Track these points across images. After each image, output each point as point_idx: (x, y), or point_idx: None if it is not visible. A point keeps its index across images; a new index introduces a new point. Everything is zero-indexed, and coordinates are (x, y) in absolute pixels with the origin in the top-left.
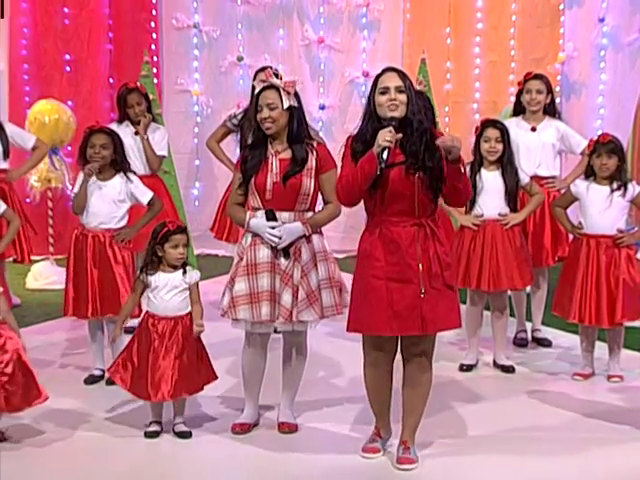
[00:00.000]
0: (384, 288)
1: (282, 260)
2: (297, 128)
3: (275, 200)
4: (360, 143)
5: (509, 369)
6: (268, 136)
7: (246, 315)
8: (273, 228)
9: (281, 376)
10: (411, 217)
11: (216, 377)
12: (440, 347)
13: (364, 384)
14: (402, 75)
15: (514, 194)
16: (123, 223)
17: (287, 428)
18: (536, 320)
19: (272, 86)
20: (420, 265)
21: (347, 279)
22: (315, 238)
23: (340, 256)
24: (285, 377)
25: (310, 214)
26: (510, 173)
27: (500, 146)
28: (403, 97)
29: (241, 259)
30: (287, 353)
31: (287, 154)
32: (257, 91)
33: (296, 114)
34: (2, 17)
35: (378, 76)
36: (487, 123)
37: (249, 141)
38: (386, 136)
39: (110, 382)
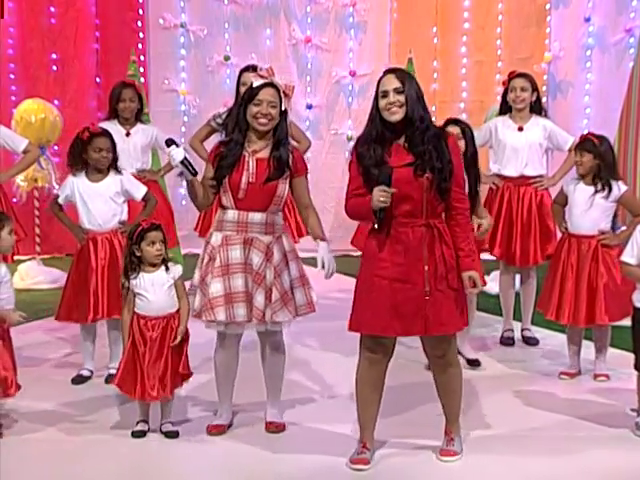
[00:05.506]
0: (388, 289)
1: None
2: (285, 131)
3: (248, 200)
4: (365, 146)
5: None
6: (249, 133)
7: (224, 316)
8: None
9: (263, 376)
10: (419, 218)
11: (191, 374)
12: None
13: (355, 389)
14: (401, 75)
15: (472, 195)
16: (125, 216)
17: (275, 427)
18: (525, 319)
19: (273, 85)
20: (426, 267)
21: (332, 278)
22: (284, 238)
23: None
24: (266, 377)
25: (279, 215)
26: (472, 173)
27: (461, 143)
28: (402, 98)
29: (211, 259)
30: (265, 353)
31: (264, 154)
32: (256, 85)
33: (285, 118)
34: (2, 17)
35: (380, 79)
36: (449, 122)
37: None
38: (380, 196)
39: (108, 381)
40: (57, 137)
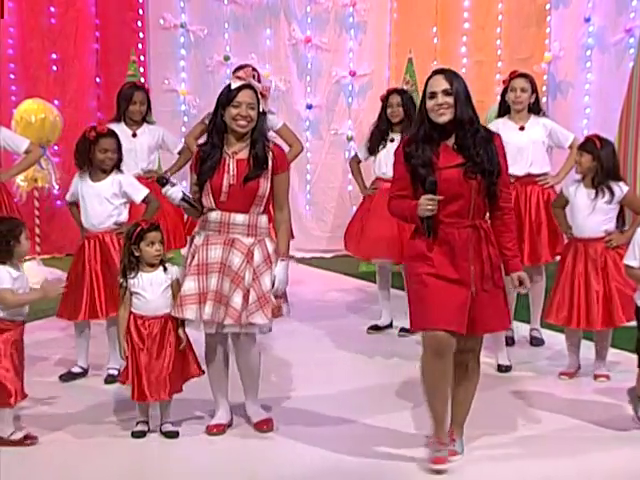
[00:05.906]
0: (436, 287)
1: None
2: (263, 131)
3: (230, 202)
4: (413, 145)
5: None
6: (228, 136)
7: (192, 315)
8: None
9: (239, 377)
10: (465, 219)
11: (202, 372)
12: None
13: (423, 385)
14: (449, 76)
15: None
16: (123, 218)
17: (265, 426)
18: (534, 319)
19: (250, 86)
20: (472, 267)
21: (332, 278)
22: (267, 241)
23: (327, 255)
24: (242, 376)
25: (264, 217)
26: None
27: None
28: (450, 99)
29: (194, 257)
30: (239, 353)
31: (244, 154)
32: (234, 87)
33: (262, 118)
34: (2, 17)
35: (428, 79)
36: None
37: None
38: (428, 205)
39: (109, 381)
40: (57, 137)
